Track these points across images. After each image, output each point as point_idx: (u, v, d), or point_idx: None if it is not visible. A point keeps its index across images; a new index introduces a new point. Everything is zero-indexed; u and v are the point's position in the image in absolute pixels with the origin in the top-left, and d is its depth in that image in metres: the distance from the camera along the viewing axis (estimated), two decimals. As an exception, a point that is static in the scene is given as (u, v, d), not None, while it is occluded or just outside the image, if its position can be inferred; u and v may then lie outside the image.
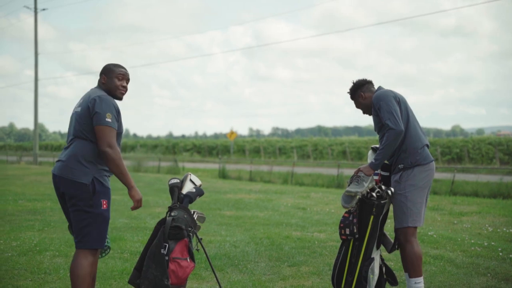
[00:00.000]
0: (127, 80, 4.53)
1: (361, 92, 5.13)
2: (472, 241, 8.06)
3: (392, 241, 5.06)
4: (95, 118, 4.18)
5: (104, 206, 4.24)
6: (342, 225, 4.92)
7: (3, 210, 11.46)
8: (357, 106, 5.21)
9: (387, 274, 5.11)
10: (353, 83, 5.19)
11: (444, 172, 22.07)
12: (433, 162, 4.97)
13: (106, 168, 4.31)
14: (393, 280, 5.10)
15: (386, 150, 4.76)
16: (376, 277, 4.82)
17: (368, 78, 5.19)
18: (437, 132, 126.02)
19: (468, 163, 34.16)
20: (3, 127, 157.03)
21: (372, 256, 4.82)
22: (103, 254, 4.70)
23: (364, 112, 5.20)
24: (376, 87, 5.15)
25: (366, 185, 4.82)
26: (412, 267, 4.81)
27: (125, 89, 4.51)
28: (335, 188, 19.48)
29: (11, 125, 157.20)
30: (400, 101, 4.88)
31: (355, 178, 4.87)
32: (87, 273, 4.24)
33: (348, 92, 5.23)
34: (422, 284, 4.81)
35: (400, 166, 4.89)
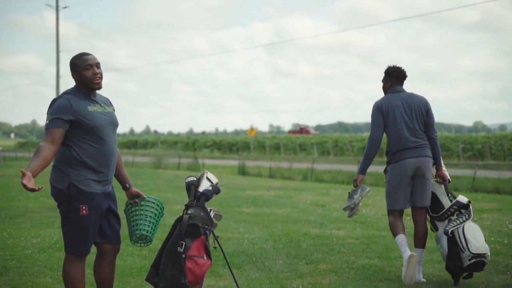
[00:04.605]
0: (97, 65, 4.25)
1: (384, 80, 6.19)
2: (492, 238, 7.98)
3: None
4: None
5: (84, 211, 4.11)
6: None
7: (24, 207, 11.60)
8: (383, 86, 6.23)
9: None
10: (392, 68, 6.12)
11: (465, 169, 21.87)
12: (405, 160, 5.88)
13: (95, 172, 4.18)
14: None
15: (365, 157, 6.11)
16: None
17: (396, 72, 6.10)
18: (459, 128, 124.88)
19: (490, 160, 33.85)
20: (26, 124, 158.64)
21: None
22: (143, 244, 4.62)
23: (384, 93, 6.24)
24: (403, 87, 6.14)
25: (356, 196, 6.14)
26: (391, 231, 6.05)
27: (98, 75, 4.24)
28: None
29: (34, 122, 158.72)
30: (384, 111, 5.96)
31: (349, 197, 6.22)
32: (75, 277, 4.23)
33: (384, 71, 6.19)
34: (399, 240, 5.84)
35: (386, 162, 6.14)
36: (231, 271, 4.75)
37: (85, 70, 4.21)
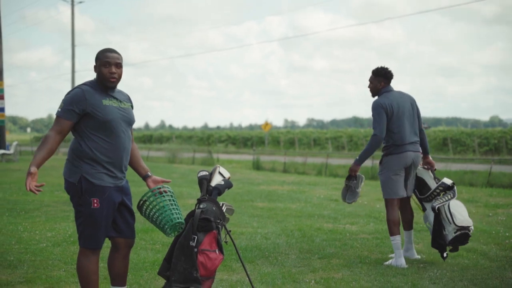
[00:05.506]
0: (116, 65, 4.24)
1: (374, 80, 6.54)
2: (507, 234, 7.93)
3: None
4: None
5: (95, 205, 4.14)
6: None
7: (39, 201, 11.68)
8: (369, 85, 6.60)
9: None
10: (384, 69, 6.50)
11: (481, 164, 21.66)
12: (406, 152, 6.35)
13: (107, 166, 4.20)
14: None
15: (368, 151, 6.46)
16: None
17: (389, 73, 6.49)
18: (475, 123, 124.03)
19: (506, 155, 33.57)
20: (42, 119, 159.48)
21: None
22: (176, 232, 4.42)
23: (371, 92, 6.63)
24: (392, 85, 6.54)
25: (359, 189, 6.72)
26: (389, 229, 6.42)
27: (114, 75, 4.23)
28: (369, 180, 19.34)
29: (50, 117, 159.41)
30: (388, 111, 6.31)
31: (349, 189, 6.75)
32: (89, 271, 4.26)
33: (373, 71, 6.57)
34: (396, 242, 6.33)
35: (382, 154, 6.54)
36: (243, 265, 4.76)
37: (102, 66, 4.23)
